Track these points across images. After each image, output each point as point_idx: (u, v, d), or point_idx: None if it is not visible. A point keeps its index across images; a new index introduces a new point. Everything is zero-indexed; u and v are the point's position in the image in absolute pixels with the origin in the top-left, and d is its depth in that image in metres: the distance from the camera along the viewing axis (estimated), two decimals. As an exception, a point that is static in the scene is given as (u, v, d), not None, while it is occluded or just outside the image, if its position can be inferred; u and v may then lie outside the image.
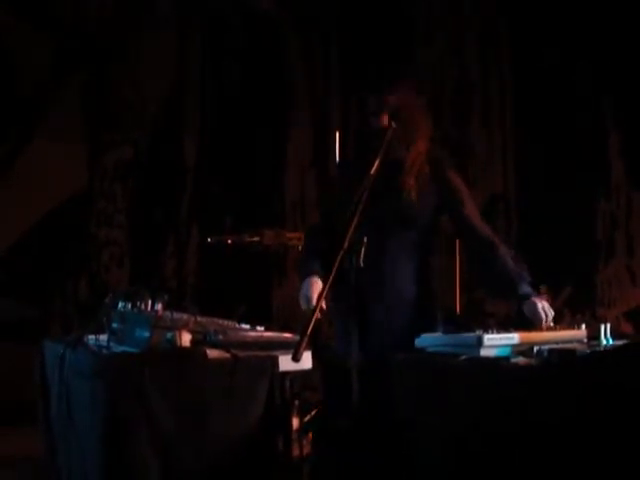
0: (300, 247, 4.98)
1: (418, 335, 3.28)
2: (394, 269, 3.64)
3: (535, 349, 2.99)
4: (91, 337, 3.52)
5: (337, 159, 5.52)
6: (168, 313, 3.39)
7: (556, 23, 6.47)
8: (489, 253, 3.60)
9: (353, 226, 3.14)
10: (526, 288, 3.50)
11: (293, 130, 7.11)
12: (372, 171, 3.32)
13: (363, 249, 3.16)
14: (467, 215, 3.69)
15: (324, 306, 3.28)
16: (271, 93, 7.06)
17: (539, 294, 3.52)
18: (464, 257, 3.91)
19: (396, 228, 3.65)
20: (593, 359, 2.86)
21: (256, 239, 5.46)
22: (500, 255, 3.60)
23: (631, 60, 6.23)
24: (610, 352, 2.97)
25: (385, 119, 3.58)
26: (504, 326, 3.22)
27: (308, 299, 3.57)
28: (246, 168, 7.00)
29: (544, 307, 3.39)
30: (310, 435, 4.80)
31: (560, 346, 3.02)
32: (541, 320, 3.35)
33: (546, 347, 2.97)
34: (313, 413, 5.28)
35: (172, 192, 7.13)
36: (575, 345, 3.10)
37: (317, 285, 3.58)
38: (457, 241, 3.95)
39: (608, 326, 3.17)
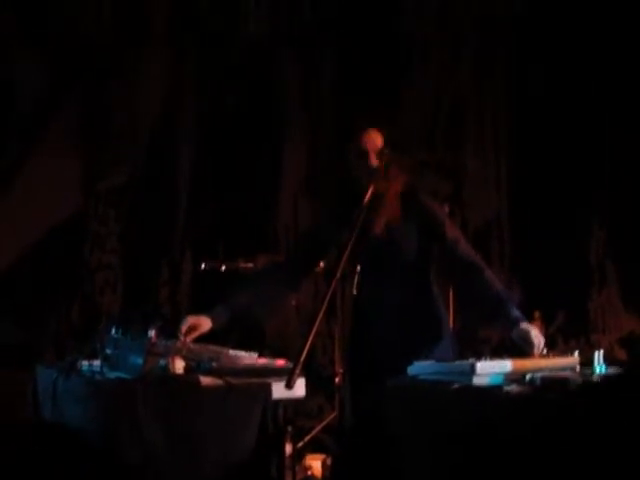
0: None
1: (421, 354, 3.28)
2: (391, 294, 3.64)
3: (527, 377, 2.98)
4: (84, 363, 3.52)
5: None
6: (162, 339, 3.39)
7: (552, 44, 6.49)
8: (473, 275, 3.56)
9: (346, 255, 3.14)
10: (515, 312, 3.45)
11: (287, 151, 7.09)
12: (364, 201, 3.33)
13: (356, 277, 3.16)
14: (449, 237, 3.64)
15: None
16: (265, 114, 7.05)
17: (533, 320, 3.51)
18: (450, 282, 3.89)
19: (385, 262, 3.64)
20: (586, 389, 2.85)
21: (250, 265, 5.46)
22: (485, 278, 3.55)
23: (629, 79, 6.27)
24: (603, 382, 2.97)
25: (374, 158, 3.59)
26: (497, 353, 3.21)
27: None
28: (239, 191, 6.99)
29: (536, 334, 3.37)
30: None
31: (553, 374, 3.02)
32: (533, 347, 3.34)
33: (539, 375, 2.96)
34: (307, 439, 5.30)
35: (165, 216, 7.11)
36: (568, 373, 3.10)
37: (192, 321, 3.56)
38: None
39: (601, 353, 3.17)
